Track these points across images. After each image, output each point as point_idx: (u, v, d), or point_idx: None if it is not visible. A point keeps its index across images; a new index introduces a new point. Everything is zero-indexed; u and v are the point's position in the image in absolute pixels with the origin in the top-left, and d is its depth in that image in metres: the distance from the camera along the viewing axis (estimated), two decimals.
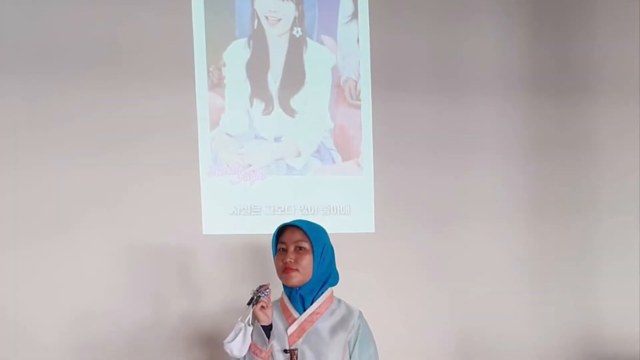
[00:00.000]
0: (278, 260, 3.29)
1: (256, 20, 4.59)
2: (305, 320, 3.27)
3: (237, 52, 4.56)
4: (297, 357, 3.21)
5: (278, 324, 3.28)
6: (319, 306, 3.31)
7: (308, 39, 4.67)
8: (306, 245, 3.25)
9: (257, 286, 3.18)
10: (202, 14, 4.47)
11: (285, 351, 3.23)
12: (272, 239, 3.36)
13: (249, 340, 3.14)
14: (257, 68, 4.59)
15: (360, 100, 4.73)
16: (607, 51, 5.21)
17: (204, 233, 4.42)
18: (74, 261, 4.20)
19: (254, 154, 4.54)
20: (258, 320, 3.15)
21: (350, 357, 3.30)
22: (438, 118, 4.87)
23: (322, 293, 3.34)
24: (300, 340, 3.24)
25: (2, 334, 4.11)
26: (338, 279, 3.42)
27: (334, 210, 4.63)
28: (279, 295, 3.42)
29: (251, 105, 4.54)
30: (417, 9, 4.89)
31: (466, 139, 4.90)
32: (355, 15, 4.75)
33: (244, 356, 3.19)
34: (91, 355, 4.20)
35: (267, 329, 3.18)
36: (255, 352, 3.17)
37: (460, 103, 4.90)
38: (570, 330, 5.07)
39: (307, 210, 4.57)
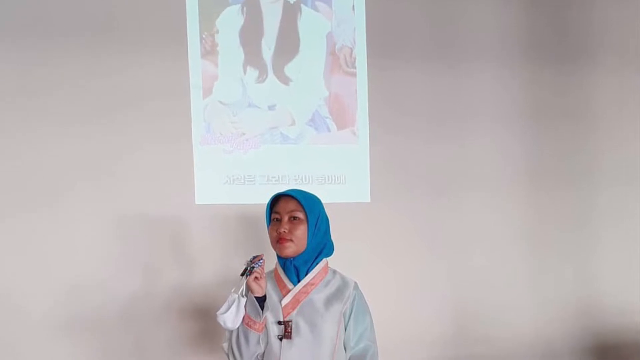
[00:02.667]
0: (272, 230, 3.25)
1: None
2: (299, 291, 3.24)
3: (231, 19, 4.52)
4: (291, 329, 3.18)
5: (272, 295, 3.24)
6: (314, 277, 3.27)
7: (302, 6, 4.63)
8: (300, 215, 3.21)
9: (251, 257, 3.15)
10: None
11: (279, 323, 3.20)
12: (266, 209, 3.31)
13: (242, 312, 3.11)
14: (250, 35, 4.56)
15: (355, 67, 4.69)
16: (607, 18, 5.18)
17: (196, 203, 4.42)
18: (65, 232, 4.21)
19: (248, 122, 4.52)
20: (252, 292, 3.11)
21: (345, 329, 3.26)
22: (435, 86, 4.84)
23: (317, 264, 3.30)
24: (295, 311, 3.20)
25: None
26: (333, 249, 3.38)
27: (328, 180, 4.60)
28: (273, 266, 3.39)
29: (245, 72, 4.51)
30: None
31: (463, 107, 4.88)
32: None
33: (237, 328, 3.15)
34: (82, 327, 4.21)
35: (261, 301, 3.14)
36: (249, 323, 3.13)
37: (458, 71, 4.87)
38: (569, 301, 5.08)
39: (302, 179, 4.55)
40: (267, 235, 3.29)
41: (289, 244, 3.18)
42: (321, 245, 3.29)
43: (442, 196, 4.81)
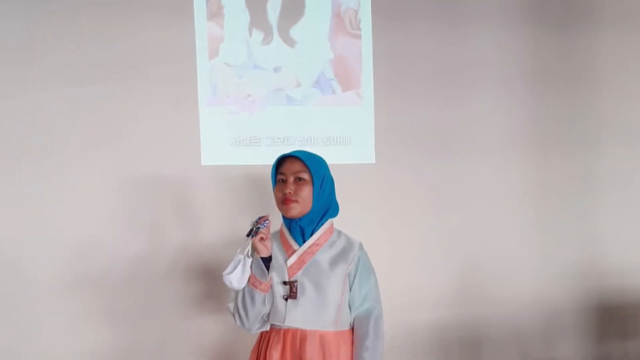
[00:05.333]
0: (277, 191, 3.27)
1: None
2: (304, 252, 3.27)
3: None
4: (296, 289, 3.22)
5: (277, 256, 3.28)
6: (319, 238, 3.30)
7: None
8: (306, 176, 3.23)
9: (257, 217, 3.16)
10: None
11: (284, 283, 3.24)
12: (272, 170, 3.33)
13: (248, 272, 3.14)
14: None
15: (360, 29, 4.68)
16: None
17: (202, 164, 4.42)
18: (72, 193, 4.22)
19: (253, 84, 4.51)
20: (257, 252, 3.14)
21: (350, 289, 3.30)
22: (439, 48, 4.83)
23: (322, 224, 3.33)
24: (300, 272, 3.24)
25: None
26: (338, 210, 3.41)
27: (334, 141, 4.60)
28: (279, 227, 3.42)
29: (250, 35, 4.50)
30: None
31: (467, 70, 4.87)
32: None
33: (243, 288, 3.18)
34: (88, 287, 4.23)
35: (267, 261, 3.17)
36: (255, 284, 3.17)
37: (462, 33, 4.86)
38: (572, 261, 5.10)
39: (307, 141, 4.55)
40: (273, 196, 3.32)
41: (294, 204, 3.20)
42: (326, 206, 3.32)
43: (447, 157, 4.82)
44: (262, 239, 3.10)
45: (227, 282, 3.13)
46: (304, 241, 3.30)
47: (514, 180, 4.97)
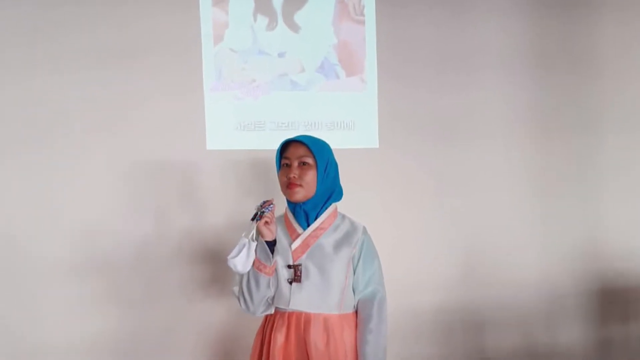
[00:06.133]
0: (282, 175, 3.29)
1: None
2: (309, 235, 3.29)
3: None
4: (300, 273, 3.24)
5: (282, 240, 3.31)
6: (323, 222, 3.32)
7: None
8: (310, 160, 3.25)
9: (261, 202, 3.18)
10: None
11: (289, 266, 3.26)
12: (276, 155, 3.36)
13: (252, 256, 3.17)
14: None
15: (364, 15, 4.68)
16: None
17: (207, 148, 4.43)
18: (79, 177, 4.24)
19: (258, 69, 4.52)
20: (262, 236, 3.17)
21: (354, 273, 3.32)
22: (442, 34, 4.83)
23: (326, 208, 3.35)
24: (304, 255, 3.27)
25: (6, 252, 4.18)
26: (342, 194, 3.43)
27: (338, 126, 4.62)
28: (283, 211, 3.44)
29: (255, 20, 4.51)
30: None
31: (470, 55, 4.88)
32: None
33: (248, 272, 3.22)
34: (94, 272, 4.26)
35: (271, 245, 3.21)
36: (259, 267, 3.20)
37: (465, 19, 4.86)
38: (575, 244, 5.12)
39: (311, 125, 4.57)
40: (277, 180, 3.34)
41: (298, 189, 3.22)
42: (330, 190, 3.34)
43: (449, 142, 4.83)
44: (266, 222, 3.13)
45: (231, 266, 3.15)
46: (308, 225, 3.32)
47: (516, 165, 4.97)
